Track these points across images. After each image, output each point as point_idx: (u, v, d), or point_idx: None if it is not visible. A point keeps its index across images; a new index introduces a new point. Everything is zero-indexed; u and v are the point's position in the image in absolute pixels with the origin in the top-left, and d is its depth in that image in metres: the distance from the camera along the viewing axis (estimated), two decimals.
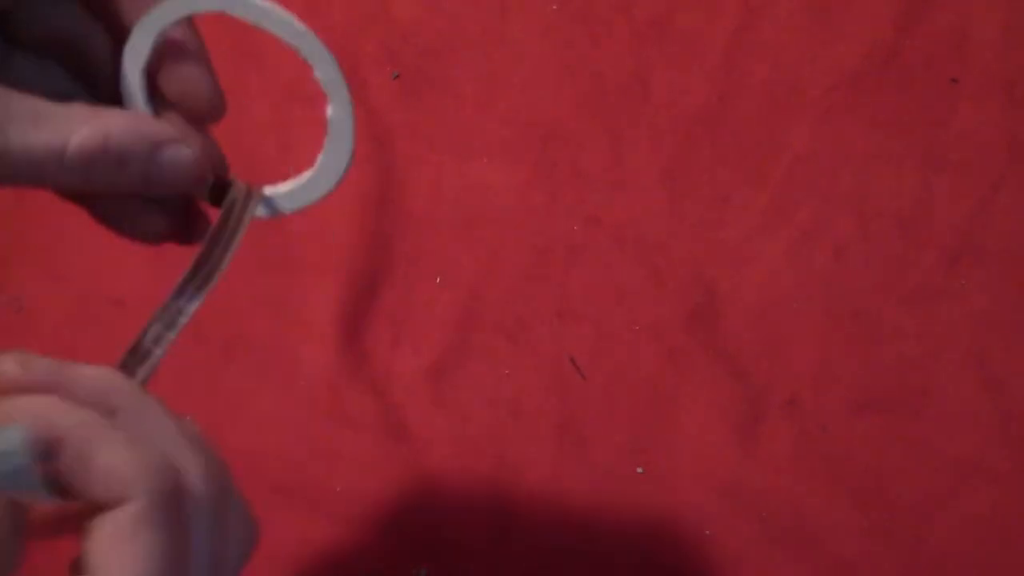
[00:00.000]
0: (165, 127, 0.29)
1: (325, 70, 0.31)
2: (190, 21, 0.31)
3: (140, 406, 0.26)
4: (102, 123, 0.27)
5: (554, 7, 0.70)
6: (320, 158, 0.32)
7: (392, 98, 0.68)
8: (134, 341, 0.29)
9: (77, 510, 0.24)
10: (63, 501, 0.24)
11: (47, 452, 0.23)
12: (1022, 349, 0.62)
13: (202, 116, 0.32)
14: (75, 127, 0.26)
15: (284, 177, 0.67)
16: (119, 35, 0.30)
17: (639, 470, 0.60)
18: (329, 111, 0.32)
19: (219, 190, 0.32)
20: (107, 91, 0.31)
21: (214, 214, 0.33)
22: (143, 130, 0.28)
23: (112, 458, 0.23)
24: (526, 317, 0.63)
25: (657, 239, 0.65)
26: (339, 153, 0.32)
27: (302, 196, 0.32)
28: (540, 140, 0.67)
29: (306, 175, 0.32)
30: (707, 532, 0.58)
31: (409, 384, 0.62)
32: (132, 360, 0.29)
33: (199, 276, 0.31)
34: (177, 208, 0.32)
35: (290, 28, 0.31)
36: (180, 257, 0.64)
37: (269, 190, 0.33)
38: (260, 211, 0.32)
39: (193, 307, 0.30)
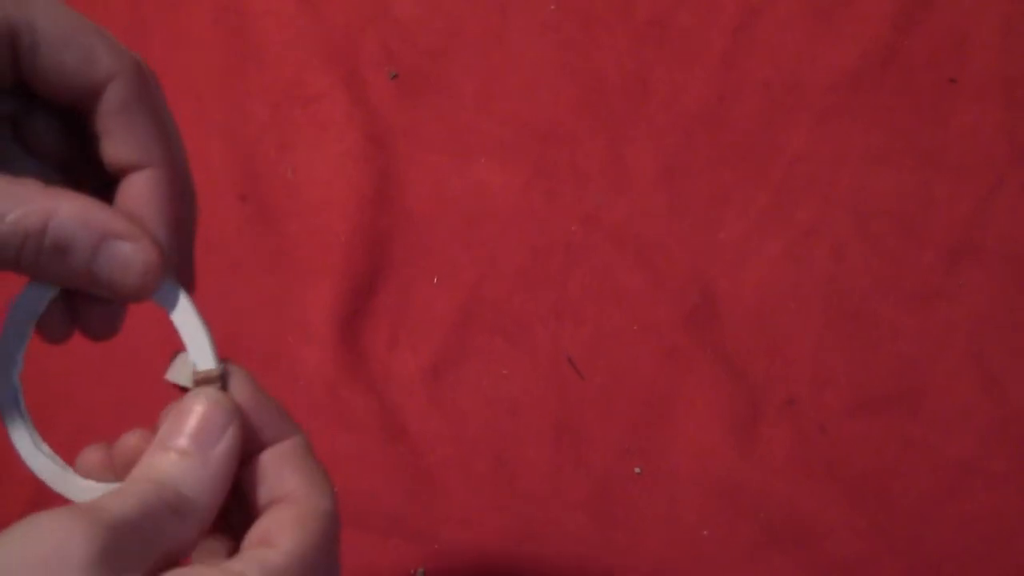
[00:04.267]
0: (118, 219, 0.26)
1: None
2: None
3: None
4: (47, 204, 0.25)
5: (553, 7, 0.70)
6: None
7: (392, 98, 0.68)
8: None
9: None
10: None
11: None
12: (1021, 349, 0.61)
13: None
14: (15, 204, 0.24)
15: (283, 176, 0.68)
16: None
17: (637, 470, 0.60)
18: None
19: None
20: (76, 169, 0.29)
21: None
22: (91, 218, 0.25)
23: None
24: (525, 317, 0.63)
25: (657, 239, 0.65)
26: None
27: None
28: (539, 140, 0.67)
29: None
30: (705, 532, 0.58)
31: (408, 384, 0.62)
32: None
33: None
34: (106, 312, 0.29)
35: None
36: None
37: None
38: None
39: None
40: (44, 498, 0.57)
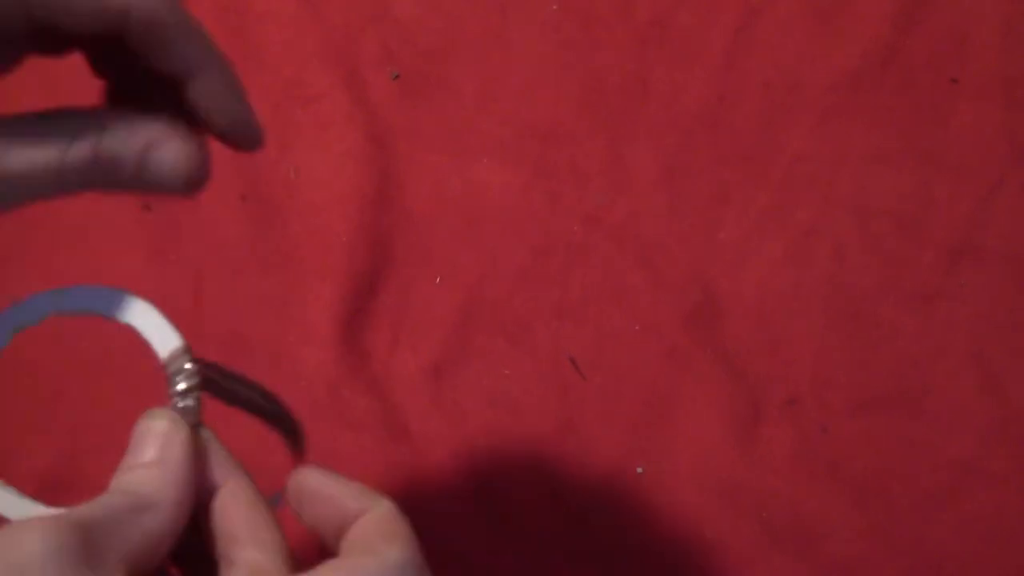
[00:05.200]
0: (157, 128, 0.29)
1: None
2: None
3: None
4: (92, 133, 0.28)
5: (554, 7, 0.70)
6: None
7: (392, 98, 0.68)
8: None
9: None
10: None
11: None
12: (1021, 349, 0.62)
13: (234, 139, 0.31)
14: (66, 141, 0.27)
15: (284, 176, 0.68)
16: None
17: (639, 470, 0.60)
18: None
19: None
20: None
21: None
22: (133, 134, 0.28)
23: None
24: (526, 317, 0.63)
25: (657, 239, 0.65)
26: None
27: None
28: (540, 140, 0.67)
29: None
30: (707, 533, 0.58)
31: (409, 384, 0.62)
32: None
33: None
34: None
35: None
36: (180, 256, 0.64)
37: None
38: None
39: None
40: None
